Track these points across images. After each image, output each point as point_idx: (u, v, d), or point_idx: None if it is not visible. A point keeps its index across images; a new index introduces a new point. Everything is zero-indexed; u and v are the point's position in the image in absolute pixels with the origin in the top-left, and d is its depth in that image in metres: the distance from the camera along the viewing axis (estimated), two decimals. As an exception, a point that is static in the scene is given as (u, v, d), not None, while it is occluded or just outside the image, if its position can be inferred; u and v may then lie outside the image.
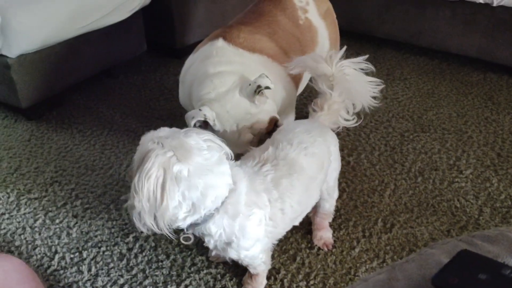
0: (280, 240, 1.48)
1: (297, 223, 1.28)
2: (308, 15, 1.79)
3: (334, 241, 1.50)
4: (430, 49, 2.81)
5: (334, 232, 1.53)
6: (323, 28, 1.84)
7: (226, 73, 1.45)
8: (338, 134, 2.03)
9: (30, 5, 1.93)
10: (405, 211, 1.63)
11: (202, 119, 1.34)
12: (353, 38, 3.06)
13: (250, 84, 1.38)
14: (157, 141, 0.98)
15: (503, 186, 1.75)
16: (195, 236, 1.14)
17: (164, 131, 1.03)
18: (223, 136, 1.31)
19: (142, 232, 1.03)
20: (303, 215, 1.28)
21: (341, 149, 1.94)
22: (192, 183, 0.98)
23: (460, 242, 0.58)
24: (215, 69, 1.46)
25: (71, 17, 2.05)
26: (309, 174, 1.20)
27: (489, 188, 1.74)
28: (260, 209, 1.11)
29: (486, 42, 2.55)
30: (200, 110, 1.36)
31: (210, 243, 1.13)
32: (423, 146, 1.98)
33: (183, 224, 1.05)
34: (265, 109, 1.42)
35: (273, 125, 1.44)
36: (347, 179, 1.78)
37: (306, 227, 1.54)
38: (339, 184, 1.74)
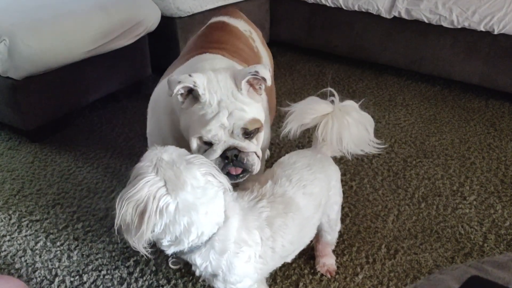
0: (283, 266, 1.47)
1: (289, 260, 1.26)
2: (255, 44, 1.74)
3: (338, 267, 1.48)
4: (431, 75, 2.84)
5: (337, 258, 1.52)
6: (266, 56, 1.79)
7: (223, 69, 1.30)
8: (340, 158, 2.05)
9: (37, 29, 1.96)
10: (409, 237, 1.62)
11: (191, 85, 1.17)
12: (355, 65, 3.09)
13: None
14: (154, 165, 0.96)
15: (507, 212, 1.74)
16: (184, 260, 1.11)
17: (169, 152, 1.00)
18: (202, 110, 1.18)
19: (142, 256, 1.02)
20: (296, 253, 1.25)
21: (344, 174, 1.94)
22: (176, 219, 0.95)
23: (469, 268, 0.57)
24: (210, 66, 1.32)
25: (78, 41, 2.08)
26: (305, 215, 1.17)
27: (493, 215, 1.73)
28: (250, 247, 1.07)
29: (487, 69, 2.58)
30: (190, 76, 1.19)
31: (196, 271, 1.10)
32: (426, 171, 1.97)
33: (168, 251, 1.02)
34: (253, 105, 1.23)
35: (256, 130, 1.23)
36: (350, 203, 1.77)
37: (309, 252, 1.52)
38: (342, 208, 1.73)
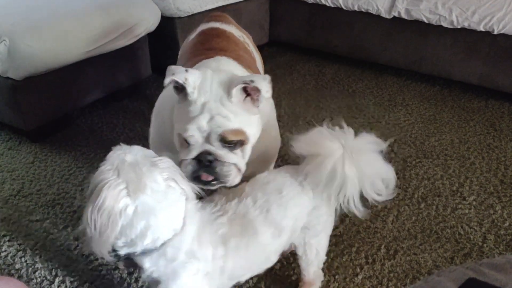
0: (282, 265, 1.48)
1: (241, 282, 1.22)
2: (250, 48, 1.71)
3: (337, 267, 1.49)
4: (431, 75, 2.84)
5: (337, 258, 1.52)
6: (259, 61, 1.76)
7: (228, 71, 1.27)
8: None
9: (37, 29, 1.96)
10: (408, 238, 1.62)
11: (180, 81, 1.13)
12: (354, 65, 3.10)
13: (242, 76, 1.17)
14: (116, 167, 0.94)
15: (507, 213, 1.74)
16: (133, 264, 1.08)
17: (133, 152, 0.98)
18: (188, 108, 1.16)
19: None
20: (247, 277, 1.20)
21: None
22: (133, 223, 0.94)
23: (467, 270, 0.57)
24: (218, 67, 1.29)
25: (78, 42, 2.08)
26: (262, 241, 1.11)
27: (492, 215, 1.73)
28: (198, 261, 1.03)
29: (487, 69, 2.58)
30: (186, 71, 1.15)
31: (142, 275, 1.07)
32: (425, 172, 1.98)
33: (121, 252, 1.00)
34: (242, 116, 1.17)
35: (240, 142, 1.18)
36: (350, 204, 1.77)
37: (309, 252, 1.53)
38: (342, 208, 1.73)
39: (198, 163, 1.16)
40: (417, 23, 2.68)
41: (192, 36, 1.69)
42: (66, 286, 1.43)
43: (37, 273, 1.48)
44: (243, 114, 1.16)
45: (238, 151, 1.18)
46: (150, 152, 1.01)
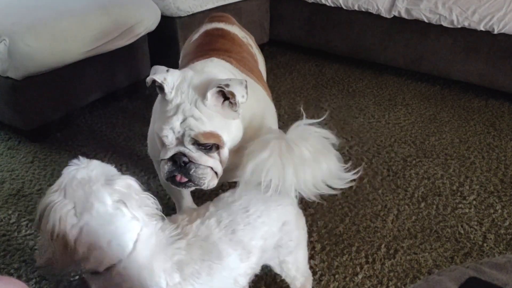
0: (283, 265, 1.47)
1: None
2: (253, 50, 1.71)
3: (337, 266, 1.49)
4: (431, 75, 2.84)
5: (337, 257, 1.52)
6: (261, 62, 1.77)
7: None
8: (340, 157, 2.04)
9: (37, 29, 1.96)
10: (408, 237, 1.62)
11: (159, 81, 1.13)
12: (354, 64, 3.09)
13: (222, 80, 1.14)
14: (63, 187, 0.90)
15: (507, 212, 1.74)
16: None
17: (89, 168, 0.93)
18: (165, 107, 1.15)
19: None
20: None
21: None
22: (76, 244, 0.90)
23: (468, 269, 0.57)
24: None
25: (78, 41, 2.08)
26: (228, 265, 1.03)
27: (493, 215, 1.73)
28: None
29: (487, 69, 2.58)
30: (167, 70, 1.16)
31: None
32: (426, 171, 1.97)
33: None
34: (217, 119, 1.15)
35: (215, 146, 1.17)
36: (350, 203, 1.77)
37: (309, 251, 1.53)
38: (342, 208, 1.74)
39: (174, 164, 1.17)
40: (417, 22, 2.68)
41: (196, 36, 1.69)
42: (64, 286, 1.43)
43: (36, 272, 1.47)
44: (218, 117, 1.15)
45: (215, 154, 1.18)
46: (110, 168, 0.97)
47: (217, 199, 1.11)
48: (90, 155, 2.08)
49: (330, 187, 1.15)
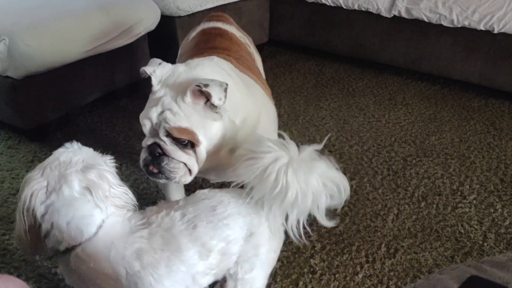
0: (283, 264, 1.47)
1: None
2: (251, 50, 1.71)
3: (337, 266, 1.48)
4: (431, 74, 2.84)
5: (337, 256, 1.52)
6: (259, 62, 1.77)
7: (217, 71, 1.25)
8: (340, 157, 2.05)
9: (37, 28, 1.96)
10: (408, 236, 1.62)
11: (148, 72, 1.18)
12: (355, 64, 3.09)
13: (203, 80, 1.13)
14: (44, 166, 0.97)
15: (507, 212, 1.74)
16: None
17: (76, 153, 1.01)
18: (151, 97, 1.21)
19: None
20: None
21: (343, 173, 1.93)
22: (42, 220, 0.96)
23: (469, 268, 0.57)
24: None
25: (78, 41, 2.08)
26: (186, 260, 1.01)
27: (493, 214, 1.73)
28: (108, 277, 0.97)
29: (487, 68, 2.58)
30: (159, 63, 1.21)
31: None
32: (426, 170, 1.97)
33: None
34: (195, 117, 1.15)
35: (189, 143, 1.17)
36: (350, 202, 1.77)
37: (309, 251, 1.53)
38: (342, 207, 1.73)
39: (150, 154, 1.20)
40: (417, 22, 2.68)
41: (193, 34, 1.69)
42: (65, 284, 1.43)
43: (36, 271, 1.47)
44: (196, 116, 1.15)
45: (190, 151, 1.18)
46: (96, 158, 1.04)
47: (192, 194, 1.12)
48: (90, 155, 2.07)
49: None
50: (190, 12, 2.61)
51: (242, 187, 1.09)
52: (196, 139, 1.16)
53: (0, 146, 2.14)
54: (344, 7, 2.89)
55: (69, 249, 0.98)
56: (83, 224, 0.98)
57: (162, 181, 1.23)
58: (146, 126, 1.19)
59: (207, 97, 1.13)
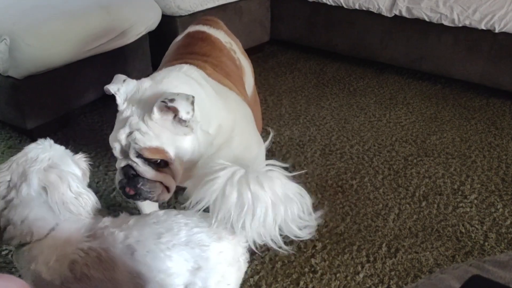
0: (283, 264, 1.47)
1: None
2: (236, 55, 1.67)
3: (338, 265, 1.48)
4: (432, 74, 2.84)
5: (338, 256, 1.52)
6: (247, 66, 1.74)
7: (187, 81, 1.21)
8: (341, 156, 2.05)
9: (38, 28, 1.96)
10: (409, 236, 1.62)
11: (112, 91, 1.14)
12: (355, 63, 3.09)
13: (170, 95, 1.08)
14: (12, 161, 0.99)
15: (508, 211, 1.74)
16: None
17: (46, 150, 1.01)
18: (118, 118, 1.17)
19: None
20: None
21: (344, 172, 1.94)
22: (2, 214, 0.97)
23: (471, 267, 0.57)
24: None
25: (79, 40, 2.08)
26: (117, 285, 0.96)
27: (494, 214, 1.73)
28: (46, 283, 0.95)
29: (488, 68, 2.57)
30: (124, 80, 1.15)
31: None
32: (427, 170, 1.97)
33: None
34: (165, 135, 1.11)
35: (163, 162, 1.13)
36: (351, 202, 1.77)
37: (309, 250, 1.53)
38: (343, 207, 1.73)
39: (125, 175, 1.15)
40: (418, 21, 2.68)
41: (180, 37, 1.67)
42: (66, 285, 1.43)
43: (37, 271, 1.48)
44: (166, 133, 1.11)
45: (166, 169, 1.15)
46: (65, 158, 1.02)
47: (146, 214, 1.06)
48: (91, 154, 2.07)
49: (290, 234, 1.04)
50: (191, 12, 2.61)
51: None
52: (168, 157, 1.12)
53: (1, 146, 2.14)
54: (345, 6, 2.89)
55: (21, 245, 0.98)
56: (35, 226, 0.96)
57: (141, 201, 1.20)
58: (116, 149, 1.14)
59: (175, 112, 1.09)
